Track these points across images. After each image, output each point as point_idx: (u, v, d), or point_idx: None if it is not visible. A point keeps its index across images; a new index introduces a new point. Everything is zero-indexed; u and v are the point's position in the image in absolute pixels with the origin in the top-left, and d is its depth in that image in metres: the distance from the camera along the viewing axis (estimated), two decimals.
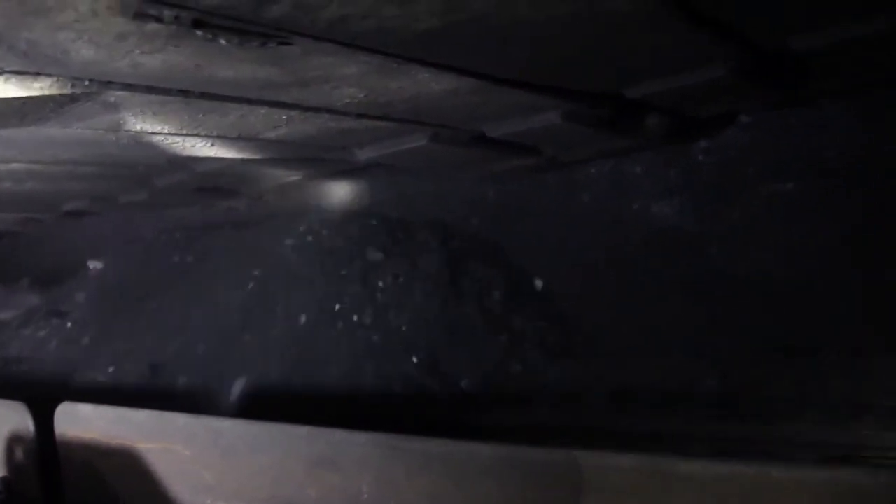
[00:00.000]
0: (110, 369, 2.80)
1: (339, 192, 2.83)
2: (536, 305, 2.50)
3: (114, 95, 1.36)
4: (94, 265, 3.30)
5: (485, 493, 1.04)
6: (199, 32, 1.06)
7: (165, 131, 1.66)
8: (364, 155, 2.10)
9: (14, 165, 2.05)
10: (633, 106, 1.87)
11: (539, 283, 2.50)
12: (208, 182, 2.63)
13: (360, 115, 1.66)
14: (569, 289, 2.59)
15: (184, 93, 1.40)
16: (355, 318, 2.42)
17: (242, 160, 2.16)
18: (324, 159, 2.18)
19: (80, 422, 1.61)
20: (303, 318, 2.46)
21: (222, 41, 1.10)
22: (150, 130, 1.64)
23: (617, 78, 1.60)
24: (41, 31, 1.03)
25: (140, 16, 0.99)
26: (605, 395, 2.26)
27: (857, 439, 1.91)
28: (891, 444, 1.81)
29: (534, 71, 1.45)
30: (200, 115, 1.56)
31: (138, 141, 1.74)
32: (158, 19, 1.00)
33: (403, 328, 2.37)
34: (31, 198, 2.64)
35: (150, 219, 3.38)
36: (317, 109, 1.58)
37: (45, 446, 1.64)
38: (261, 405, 2.30)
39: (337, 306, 2.49)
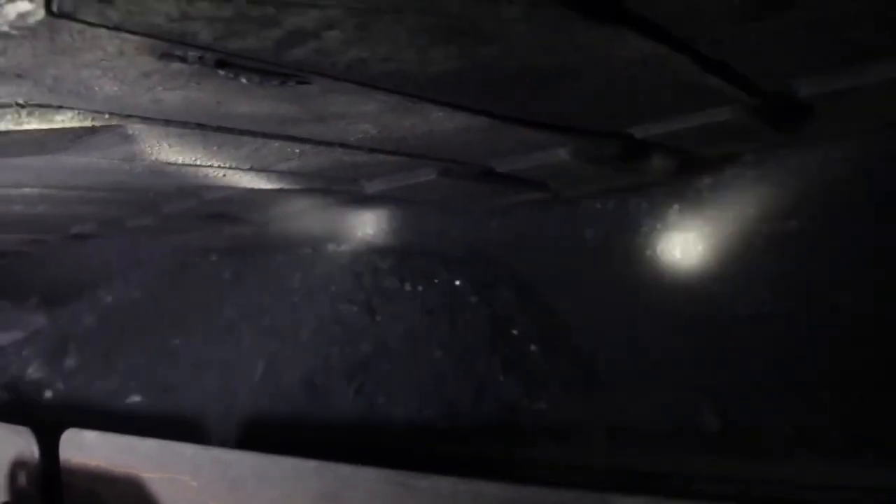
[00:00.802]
0: (116, 394, 2.79)
1: (346, 222, 2.86)
2: (538, 338, 2.51)
3: (132, 128, 1.39)
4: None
5: None
6: (221, 72, 1.09)
7: (179, 162, 1.69)
8: (373, 188, 2.12)
9: (26, 190, 2.08)
10: (640, 145, 1.90)
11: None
12: (215, 209, 2.66)
13: (372, 150, 1.69)
14: (572, 323, 2.60)
15: (201, 126, 1.43)
16: (360, 348, 2.43)
17: (252, 190, 2.19)
18: (332, 191, 2.21)
19: (85, 449, 1.61)
20: (309, 346, 2.47)
21: (243, 80, 1.12)
22: (164, 161, 1.67)
23: (625, 118, 1.63)
24: (67, 68, 1.06)
25: (166, 56, 1.01)
26: (604, 431, 2.26)
27: (860, 478, 1.91)
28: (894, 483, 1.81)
29: (544, 110, 1.48)
30: (215, 148, 1.58)
31: (151, 170, 1.76)
32: (183, 59, 1.03)
33: (407, 360, 2.38)
34: (40, 220, 2.67)
35: (155, 243, 3.40)
36: (330, 144, 1.61)
37: (49, 472, 1.64)
38: (267, 436, 2.30)
39: (341, 335, 2.49)
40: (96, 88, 1.14)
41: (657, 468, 2.13)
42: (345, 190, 2.19)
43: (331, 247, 2.84)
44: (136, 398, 2.75)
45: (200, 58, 1.03)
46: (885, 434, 1.99)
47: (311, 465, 1.22)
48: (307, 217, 2.88)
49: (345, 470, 1.18)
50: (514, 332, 2.50)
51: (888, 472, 1.89)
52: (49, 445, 1.71)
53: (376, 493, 1.15)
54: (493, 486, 1.03)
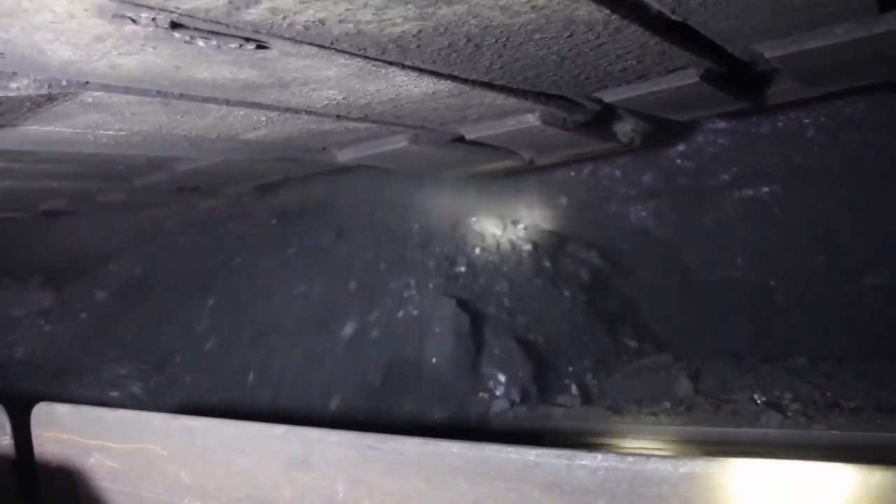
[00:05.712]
0: (103, 372, 2.79)
1: (319, 193, 2.84)
2: (513, 308, 2.52)
3: (91, 96, 1.36)
4: None
5: (458, 493, 1.06)
6: (176, 34, 1.07)
7: (144, 131, 1.66)
8: (344, 156, 2.10)
9: None
10: (610, 110, 1.90)
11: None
12: (188, 182, 2.63)
13: (339, 117, 1.67)
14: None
15: (162, 94, 1.40)
16: (346, 322, 2.43)
17: (222, 161, 2.16)
18: (304, 160, 2.19)
19: (56, 422, 1.60)
20: (296, 324, 2.47)
21: (200, 43, 1.10)
22: (128, 130, 1.64)
23: (592, 82, 1.63)
24: (17, 31, 1.03)
25: (118, 17, 0.99)
26: (578, 397, 2.28)
27: (828, 438, 1.95)
28: (859, 442, 1.86)
29: (509, 74, 1.47)
30: (179, 116, 1.56)
31: (117, 141, 1.74)
32: (136, 21, 1.01)
33: (392, 327, 2.38)
34: (8, 196, 2.62)
35: (129, 219, 3.37)
36: (296, 111, 1.59)
37: (22, 447, 1.63)
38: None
39: (333, 312, 2.49)
40: (50, 53, 1.12)
41: (630, 431, 2.16)
42: (317, 159, 2.17)
43: (305, 217, 2.82)
44: (117, 373, 2.73)
45: (153, 19, 1.01)
46: (854, 399, 2.03)
47: (278, 430, 1.22)
48: (281, 189, 2.86)
49: (312, 434, 1.18)
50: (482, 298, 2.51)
51: (857, 434, 1.93)
52: (22, 420, 1.70)
53: (343, 456, 1.16)
54: (457, 446, 1.04)
